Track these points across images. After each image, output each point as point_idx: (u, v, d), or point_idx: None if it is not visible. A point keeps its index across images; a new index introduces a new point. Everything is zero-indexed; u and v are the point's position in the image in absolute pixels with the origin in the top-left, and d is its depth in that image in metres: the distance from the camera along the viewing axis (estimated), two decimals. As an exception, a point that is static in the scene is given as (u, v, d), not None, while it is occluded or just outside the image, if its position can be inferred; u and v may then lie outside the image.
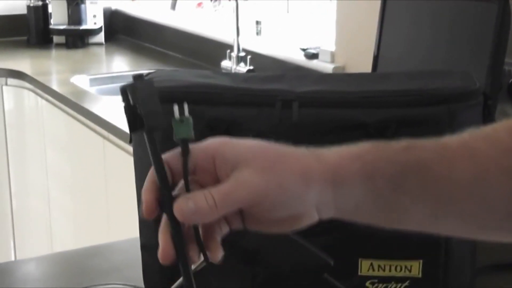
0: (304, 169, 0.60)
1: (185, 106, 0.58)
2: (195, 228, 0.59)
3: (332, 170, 0.61)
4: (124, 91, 0.56)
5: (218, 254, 0.61)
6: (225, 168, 0.59)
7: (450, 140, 0.63)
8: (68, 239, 2.64)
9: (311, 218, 0.62)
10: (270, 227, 0.62)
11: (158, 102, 0.57)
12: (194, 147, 0.60)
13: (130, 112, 0.56)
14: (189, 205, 0.57)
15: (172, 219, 0.59)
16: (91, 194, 2.43)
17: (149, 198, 0.59)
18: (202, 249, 0.60)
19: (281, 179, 0.59)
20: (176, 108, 0.58)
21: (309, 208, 0.61)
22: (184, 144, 0.59)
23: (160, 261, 0.59)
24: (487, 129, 0.63)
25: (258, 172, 0.58)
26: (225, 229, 0.62)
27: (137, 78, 0.56)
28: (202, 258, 0.67)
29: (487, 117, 0.89)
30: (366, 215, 0.63)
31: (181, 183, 0.59)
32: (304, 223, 0.62)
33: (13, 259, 2.93)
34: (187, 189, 0.58)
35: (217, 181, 0.59)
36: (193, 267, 0.62)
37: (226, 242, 0.73)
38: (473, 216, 0.62)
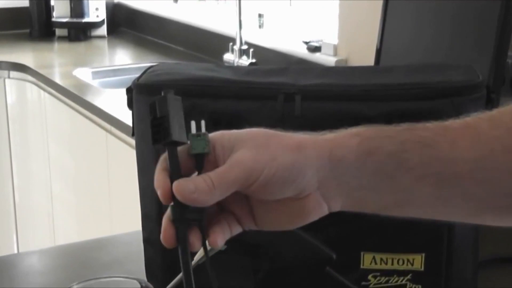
0: (298, 143, 0.60)
1: (202, 123, 0.60)
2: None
3: (329, 145, 0.60)
4: (153, 104, 0.59)
5: (218, 240, 0.61)
6: (223, 155, 0.60)
7: (453, 122, 0.62)
8: (70, 232, 2.64)
9: (318, 205, 0.61)
10: (281, 220, 0.62)
11: (183, 117, 0.59)
12: None
13: (156, 124, 0.59)
14: (188, 185, 0.58)
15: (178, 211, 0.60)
16: (94, 187, 2.43)
17: (165, 185, 0.60)
18: (203, 233, 0.60)
19: (274, 152, 0.59)
20: (193, 123, 0.60)
21: (309, 188, 0.60)
22: (200, 159, 0.60)
23: (162, 241, 0.61)
24: (492, 112, 0.63)
25: (251, 149, 0.59)
26: (236, 229, 0.62)
27: (168, 92, 0.59)
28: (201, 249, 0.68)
29: (490, 111, 0.88)
30: (372, 198, 0.62)
31: None
32: (312, 212, 0.61)
33: (15, 252, 2.93)
34: None
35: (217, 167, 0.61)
36: (193, 262, 0.62)
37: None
38: (477, 197, 0.61)
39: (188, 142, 0.59)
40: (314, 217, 0.62)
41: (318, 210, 0.62)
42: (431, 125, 0.62)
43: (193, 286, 0.58)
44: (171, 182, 0.59)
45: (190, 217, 0.59)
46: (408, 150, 0.60)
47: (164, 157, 0.61)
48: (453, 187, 0.61)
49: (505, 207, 0.61)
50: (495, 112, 0.63)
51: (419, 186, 0.61)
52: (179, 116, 0.59)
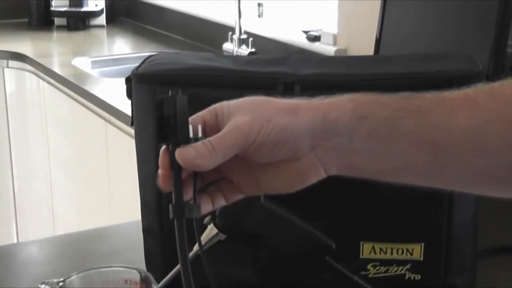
0: (292, 106, 0.62)
1: (199, 128, 0.62)
2: (195, 172, 0.62)
3: (324, 108, 0.62)
4: (160, 103, 0.61)
5: (206, 206, 0.64)
6: (222, 122, 0.63)
7: (451, 93, 0.62)
8: (70, 221, 2.65)
9: (314, 167, 0.62)
10: (280, 184, 0.63)
11: (188, 117, 0.62)
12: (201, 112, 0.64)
13: (163, 122, 0.61)
14: (190, 151, 0.60)
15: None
16: (93, 177, 2.43)
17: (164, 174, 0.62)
18: (195, 193, 0.62)
19: (269, 115, 0.61)
20: (191, 127, 0.62)
21: (304, 148, 0.61)
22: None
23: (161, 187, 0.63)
24: (493, 84, 0.62)
25: (247, 113, 0.61)
26: (236, 196, 0.65)
27: (175, 91, 0.61)
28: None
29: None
30: (367, 162, 0.62)
31: None
32: (308, 174, 0.63)
33: (15, 241, 2.94)
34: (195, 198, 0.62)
35: None
36: (191, 254, 0.63)
37: (228, 226, 0.73)
38: (473, 167, 0.61)
39: (193, 141, 0.61)
40: (311, 179, 0.63)
41: (315, 172, 0.63)
42: (429, 95, 0.62)
43: (191, 279, 0.59)
44: (174, 184, 0.61)
45: (189, 214, 0.61)
46: (403, 117, 0.61)
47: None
48: (449, 155, 0.61)
49: (501, 177, 0.61)
50: (496, 84, 0.62)
51: (415, 152, 0.61)
52: (185, 116, 0.61)
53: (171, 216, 0.60)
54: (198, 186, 0.63)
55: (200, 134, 0.62)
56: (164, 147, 0.62)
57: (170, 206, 0.61)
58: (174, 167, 0.61)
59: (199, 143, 0.61)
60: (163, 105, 0.61)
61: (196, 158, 0.60)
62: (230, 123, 0.62)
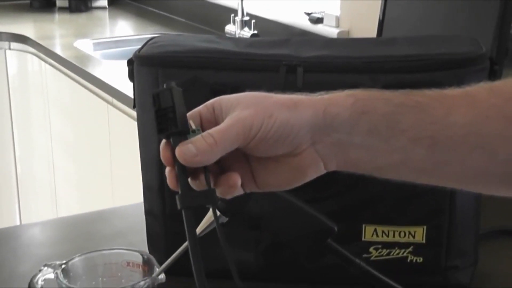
0: (293, 101, 0.62)
1: (191, 122, 0.62)
2: (205, 167, 0.61)
3: (324, 103, 0.61)
4: (157, 95, 0.61)
5: (237, 178, 0.62)
6: (221, 116, 0.62)
7: (452, 90, 0.62)
8: (72, 203, 2.65)
9: (314, 162, 0.62)
10: (280, 179, 0.63)
11: (185, 108, 0.61)
12: (197, 107, 0.63)
13: (161, 115, 0.60)
14: (190, 147, 0.59)
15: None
16: (95, 159, 2.43)
17: (170, 170, 0.61)
18: (207, 178, 0.61)
19: (271, 110, 0.61)
20: (191, 122, 0.61)
21: (304, 143, 0.61)
22: None
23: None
24: (494, 82, 0.63)
25: (249, 107, 0.61)
26: (238, 191, 0.63)
27: (170, 84, 0.61)
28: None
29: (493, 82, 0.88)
30: (366, 158, 0.62)
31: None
32: (309, 169, 0.62)
33: (18, 223, 2.94)
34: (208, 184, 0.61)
35: None
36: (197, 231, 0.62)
37: (230, 209, 0.73)
38: (472, 163, 0.61)
39: (191, 132, 0.61)
40: (311, 174, 0.63)
41: (315, 167, 0.63)
42: (429, 92, 0.62)
43: (202, 270, 0.58)
44: (178, 175, 0.60)
45: (195, 204, 0.60)
46: (403, 112, 0.61)
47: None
48: (448, 151, 0.61)
49: (499, 175, 0.61)
50: (497, 82, 0.63)
51: (413, 148, 0.61)
52: (182, 108, 0.61)
53: (178, 206, 0.60)
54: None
55: (193, 127, 0.61)
56: (164, 141, 0.61)
57: (177, 197, 0.60)
58: (177, 159, 0.60)
59: (199, 137, 0.60)
60: (160, 97, 0.61)
61: (196, 155, 0.59)
62: (231, 116, 0.61)
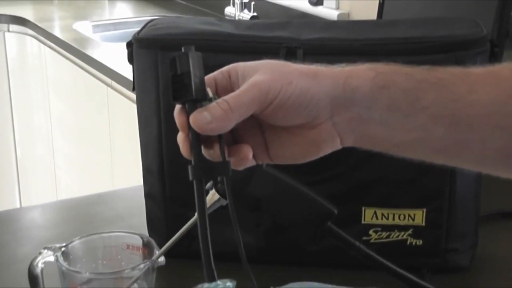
0: (314, 71, 0.60)
1: (208, 90, 0.59)
2: (219, 136, 0.59)
3: (344, 75, 0.60)
4: (173, 60, 0.58)
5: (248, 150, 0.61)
6: (237, 81, 0.61)
7: (476, 68, 0.61)
8: (72, 186, 2.65)
9: (330, 136, 0.61)
10: (294, 152, 0.62)
11: (203, 73, 0.59)
12: (212, 73, 0.62)
13: (177, 81, 0.58)
14: (204, 115, 0.58)
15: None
16: (95, 142, 2.43)
17: (184, 138, 0.60)
18: (222, 150, 0.59)
19: (290, 77, 0.59)
20: (209, 89, 0.59)
21: (322, 115, 0.60)
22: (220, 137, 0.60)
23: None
24: None
25: (267, 73, 0.59)
26: (250, 163, 0.62)
27: (188, 48, 0.58)
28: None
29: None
30: (384, 134, 0.61)
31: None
32: (324, 143, 0.61)
33: (18, 206, 2.95)
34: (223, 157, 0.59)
35: None
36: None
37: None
38: (492, 144, 0.59)
39: (208, 99, 0.59)
40: (326, 149, 0.61)
41: (331, 142, 0.61)
42: (452, 69, 0.61)
43: (210, 245, 0.57)
44: (192, 144, 0.59)
45: (208, 177, 0.59)
46: (424, 89, 0.59)
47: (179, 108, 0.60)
48: (468, 131, 0.59)
49: None
50: None
51: (433, 126, 0.59)
52: (200, 73, 0.58)
53: (190, 177, 0.58)
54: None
55: (210, 94, 0.59)
56: (178, 107, 0.59)
57: (189, 168, 0.58)
58: (191, 128, 0.58)
59: (214, 104, 0.58)
60: (176, 62, 0.58)
61: (211, 122, 0.57)
62: (249, 81, 0.59)
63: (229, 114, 0.58)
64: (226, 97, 0.58)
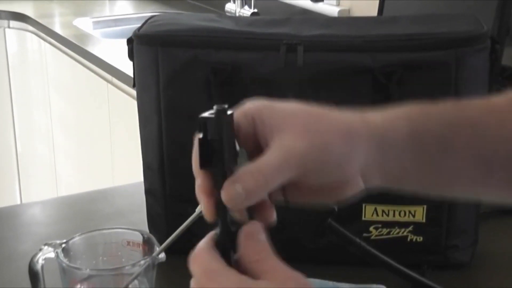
0: (348, 128, 0.57)
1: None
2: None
3: (379, 133, 0.58)
4: (204, 123, 0.53)
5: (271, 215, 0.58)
6: (263, 132, 0.56)
7: (497, 99, 0.61)
8: (73, 183, 2.65)
9: (356, 186, 0.59)
10: (312, 197, 0.59)
11: (234, 137, 0.54)
12: (236, 112, 0.56)
13: (207, 145, 0.53)
14: (237, 190, 0.53)
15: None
16: (95, 138, 2.43)
17: (208, 202, 0.55)
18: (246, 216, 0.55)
19: (326, 139, 0.56)
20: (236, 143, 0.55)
21: (353, 173, 0.58)
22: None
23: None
24: None
25: (301, 135, 0.55)
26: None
27: (222, 112, 0.53)
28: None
29: (494, 62, 0.88)
30: (414, 179, 0.60)
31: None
32: (348, 192, 0.59)
33: (18, 202, 2.95)
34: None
35: (257, 144, 0.57)
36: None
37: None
38: None
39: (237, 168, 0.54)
40: (347, 194, 0.59)
41: (354, 188, 0.59)
42: (477, 103, 0.61)
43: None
44: (217, 208, 0.54)
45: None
46: (456, 132, 0.59)
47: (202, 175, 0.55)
48: (500, 169, 0.59)
49: None
50: None
51: (465, 167, 0.59)
52: (232, 139, 0.53)
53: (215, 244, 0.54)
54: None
55: (237, 147, 0.54)
56: (202, 170, 0.54)
57: (214, 234, 0.54)
58: (220, 200, 0.53)
59: (248, 175, 0.53)
60: (207, 126, 0.52)
61: (245, 199, 0.52)
62: (280, 145, 0.54)
63: (263, 188, 0.53)
64: (262, 168, 0.53)
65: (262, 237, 0.54)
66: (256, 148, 0.56)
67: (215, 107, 0.52)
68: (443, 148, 0.59)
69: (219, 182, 0.53)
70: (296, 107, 0.57)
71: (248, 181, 0.53)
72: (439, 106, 0.60)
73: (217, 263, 0.52)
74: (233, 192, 0.53)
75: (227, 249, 0.53)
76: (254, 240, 0.53)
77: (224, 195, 0.53)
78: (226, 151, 0.52)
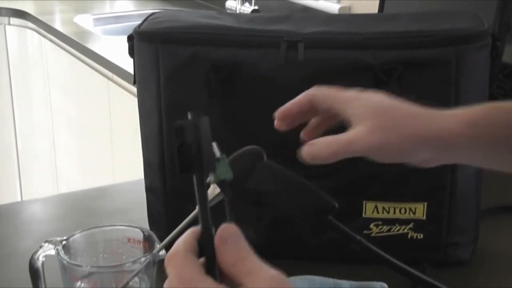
0: (419, 133, 0.66)
1: (214, 145, 0.56)
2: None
3: (444, 139, 0.66)
4: (180, 129, 0.53)
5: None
6: (334, 107, 0.69)
7: None
8: (73, 180, 2.65)
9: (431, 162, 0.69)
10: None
11: (211, 140, 0.54)
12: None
13: (184, 150, 0.53)
14: (313, 149, 0.67)
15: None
16: (96, 135, 2.43)
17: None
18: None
19: (398, 140, 0.65)
20: (214, 145, 0.56)
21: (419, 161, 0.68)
22: (224, 185, 0.59)
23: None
24: None
25: (378, 129, 0.65)
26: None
27: (197, 116, 0.53)
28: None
29: (495, 59, 0.88)
30: (469, 162, 0.71)
31: None
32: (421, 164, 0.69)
33: (19, 199, 2.95)
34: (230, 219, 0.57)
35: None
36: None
37: (231, 184, 0.73)
38: None
39: (216, 170, 0.55)
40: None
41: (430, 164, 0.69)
42: None
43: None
44: (202, 222, 0.54)
45: None
46: None
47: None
48: None
49: None
50: None
51: None
52: (209, 142, 0.54)
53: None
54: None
55: (217, 154, 0.55)
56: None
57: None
58: (202, 200, 0.54)
59: (323, 141, 0.66)
60: (184, 131, 0.53)
61: (316, 157, 0.68)
62: (360, 129, 0.65)
63: (332, 157, 0.68)
64: (339, 138, 0.67)
65: (237, 238, 0.54)
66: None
67: (189, 113, 0.54)
68: (506, 148, 0.66)
69: (199, 186, 0.54)
70: (378, 99, 0.68)
71: (322, 146, 0.67)
72: (504, 107, 0.67)
73: (192, 268, 0.51)
74: (310, 149, 0.68)
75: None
76: (229, 244, 0.53)
77: (305, 150, 0.67)
78: (205, 154, 0.53)
